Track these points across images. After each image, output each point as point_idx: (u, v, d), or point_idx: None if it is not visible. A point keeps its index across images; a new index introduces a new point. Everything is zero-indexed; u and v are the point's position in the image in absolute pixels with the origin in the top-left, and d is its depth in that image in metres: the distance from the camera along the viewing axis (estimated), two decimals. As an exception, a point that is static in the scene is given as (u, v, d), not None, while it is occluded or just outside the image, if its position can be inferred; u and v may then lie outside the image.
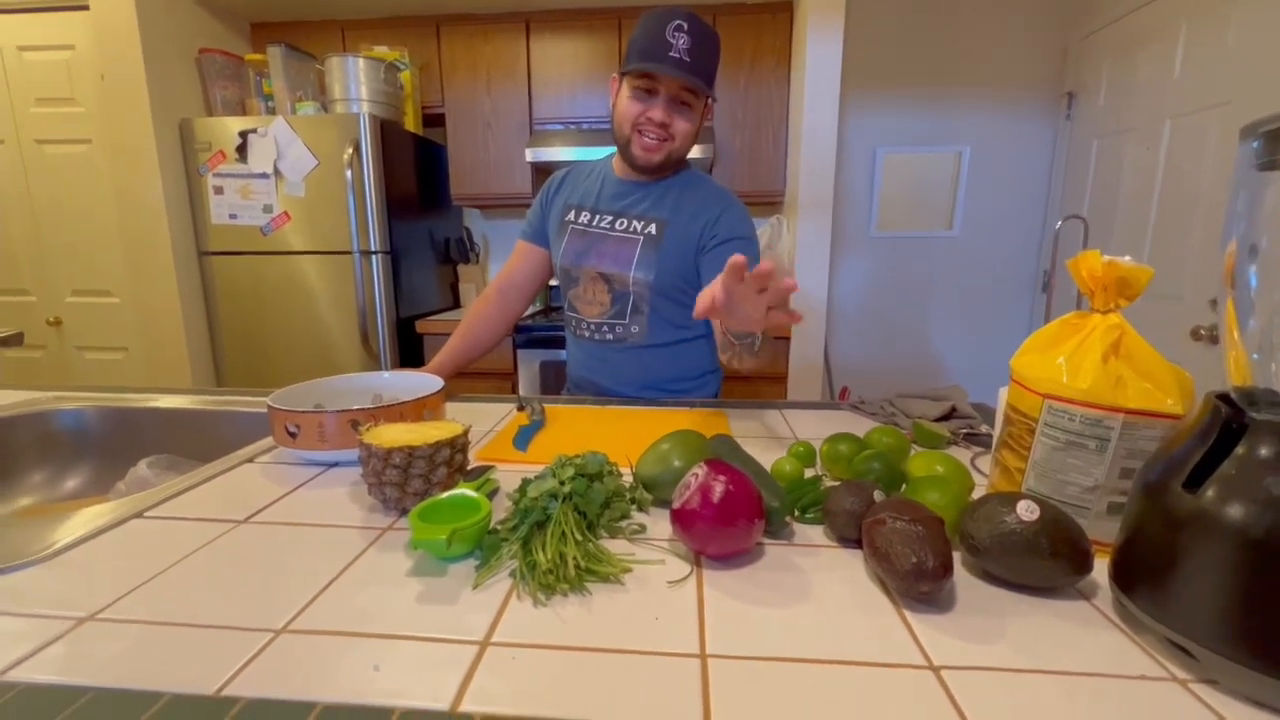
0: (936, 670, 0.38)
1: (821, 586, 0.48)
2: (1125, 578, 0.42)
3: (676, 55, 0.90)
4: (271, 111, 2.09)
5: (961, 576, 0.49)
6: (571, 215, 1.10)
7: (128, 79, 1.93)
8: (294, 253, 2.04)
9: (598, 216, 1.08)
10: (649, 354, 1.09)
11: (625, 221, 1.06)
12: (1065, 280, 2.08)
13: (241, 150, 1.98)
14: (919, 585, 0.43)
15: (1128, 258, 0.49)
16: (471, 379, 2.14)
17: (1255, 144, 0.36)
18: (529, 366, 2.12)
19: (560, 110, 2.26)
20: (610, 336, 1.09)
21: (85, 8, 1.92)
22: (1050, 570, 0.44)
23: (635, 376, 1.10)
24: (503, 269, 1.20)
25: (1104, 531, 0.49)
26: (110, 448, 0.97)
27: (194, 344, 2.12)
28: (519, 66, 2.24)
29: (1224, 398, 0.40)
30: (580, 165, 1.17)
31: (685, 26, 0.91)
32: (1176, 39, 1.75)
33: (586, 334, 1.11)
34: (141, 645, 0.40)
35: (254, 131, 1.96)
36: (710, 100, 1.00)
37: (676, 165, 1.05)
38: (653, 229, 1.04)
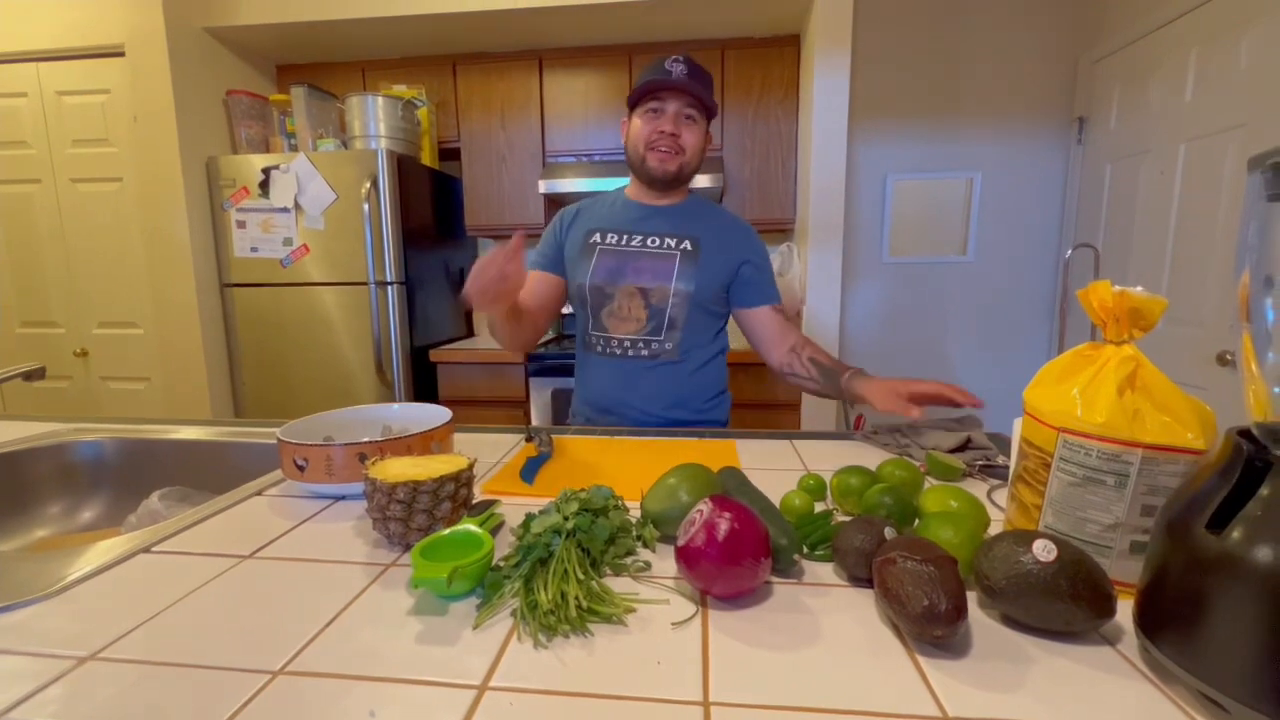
0: (951, 722, 0.36)
1: (831, 629, 0.46)
2: (1151, 623, 0.40)
3: (678, 78, 1.04)
4: (294, 148, 2.16)
5: (978, 619, 0.47)
6: (597, 238, 1.14)
7: (159, 120, 2.01)
8: (312, 284, 2.09)
9: (626, 237, 1.13)
10: (680, 370, 1.13)
11: (657, 240, 1.13)
12: (1078, 310, 2.05)
13: (264, 186, 2.04)
14: (931, 629, 0.42)
15: (1140, 288, 0.48)
16: (484, 407, 2.15)
17: (1264, 175, 0.36)
18: (541, 394, 2.12)
19: (573, 143, 2.30)
20: (645, 352, 1.12)
21: (121, 54, 2.02)
22: (1070, 614, 0.43)
23: (662, 393, 1.13)
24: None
25: (1127, 572, 0.47)
26: (126, 479, 0.98)
27: (214, 374, 2.16)
28: (532, 101, 2.29)
29: (1245, 434, 0.38)
30: (593, 199, 1.22)
31: (682, 59, 1.06)
32: (1187, 63, 1.75)
33: (618, 351, 1.13)
34: (139, 687, 0.40)
35: (276, 168, 2.03)
36: (709, 126, 1.11)
37: (687, 184, 1.15)
38: (688, 244, 1.12)
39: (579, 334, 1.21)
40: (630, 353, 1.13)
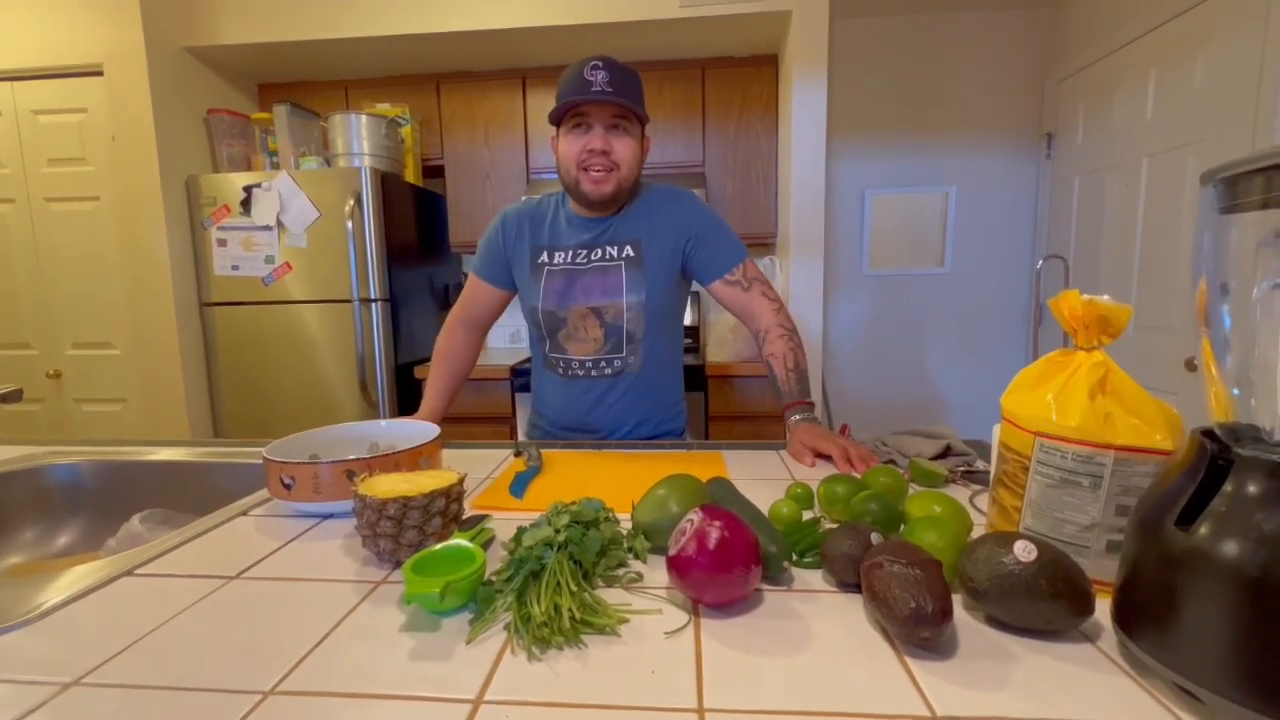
0: (940, 721, 0.37)
1: (821, 634, 0.47)
2: (1127, 619, 0.42)
3: (599, 88, 0.96)
4: (276, 167, 2.15)
5: (963, 620, 0.48)
6: (544, 257, 1.10)
7: (138, 139, 2.00)
8: (294, 302, 2.07)
9: (571, 253, 1.08)
10: (641, 381, 1.10)
11: (599, 251, 1.07)
12: (1051, 318, 2.12)
13: (245, 204, 2.03)
14: (919, 631, 0.42)
15: (1106, 296, 0.50)
16: (470, 423, 2.14)
17: (1215, 189, 0.38)
18: (527, 410, 2.11)
19: (556, 160, 2.32)
20: (609, 371, 1.09)
21: (100, 73, 2.01)
22: (1051, 612, 0.44)
23: (627, 412, 1.11)
24: (460, 302, 1.19)
25: (1104, 570, 0.49)
26: (104, 502, 0.96)
27: (193, 394, 2.13)
28: (516, 119, 2.32)
29: (1209, 434, 0.40)
30: (531, 204, 1.15)
31: (601, 64, 0.97)
32: (1147, 82, 1.83)
33: (579, 373, 1.10)
34: (126, 711, 0.39)
35: (258, 186, 2.02)
36: (644, 127, 1.04)
37: (631, 193, 1.07)
38: (630, 250, 1.07)
39: (536, 351, 1.17)
40: (593, 373, 1.10)
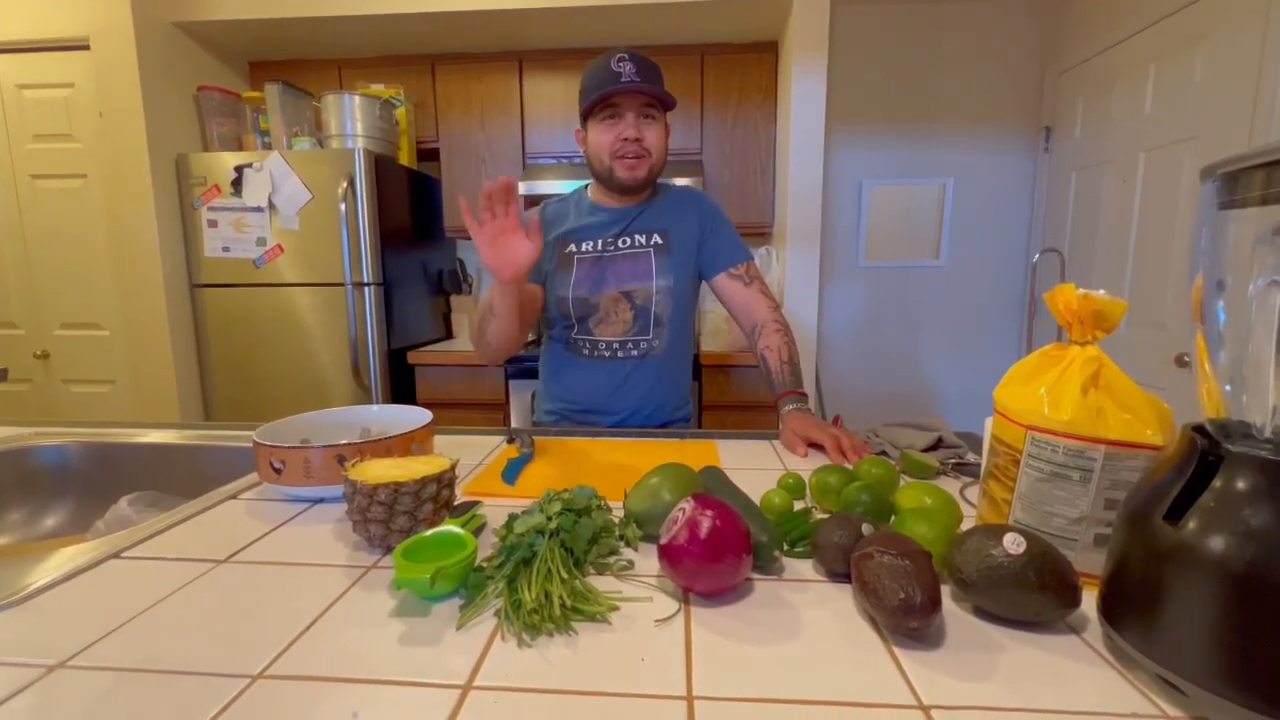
0: (926, 710, 0.38)
1: (810, 623, 0.47)
2: (1113, 611, 0.42)
3: (628, 79, 1.00)
4: (268, 147, 2.12)
5: (952, 611, 0.48)
6: (573, 247, 1.12)
7: (126, 116, 1.96)
8: (286, 285, 2.05)
9: (601, 241, 1.12)
10: (665, 366, 1.14)
11: (628, 239, 1.12)
12: (1046, 312, 2.12)
13: (236, 184, 2.00)
14: (907, 621, 0.43)
15: (1102, 291, 0.50)
16: (463, 409, 2.14)
17: (1215, 184, 0.38)
18: (520, 397, 2.11)
19: (553, 145, 2.30)
20: (635, 352, 1.13)
21: (86, 47, 1.96)
22: (1039, 604, 0.44)
23: (650, 394, 1.14)
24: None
25: (1092, 564, 0.49)
26: (92, 484, 0.95)
27: (183, 376, 2.11)
28: (512, 103, 2.29)
29: (1199, 429, 0.40)
30: (556, 203, 1.18)
31: (627, 57, 1.01)
32: (1146, 77, 1.82)
33: (606, 354, 1.13)
34: (112, 694, 0.39)
35: (250, 166, 1.99)
36: (666, 119, 1.09)
37: (655, 181, 1.13)
38: (658, 239, 1.12)
39: (556, 337, 1.18)
40: (620, 354, 1.13)
